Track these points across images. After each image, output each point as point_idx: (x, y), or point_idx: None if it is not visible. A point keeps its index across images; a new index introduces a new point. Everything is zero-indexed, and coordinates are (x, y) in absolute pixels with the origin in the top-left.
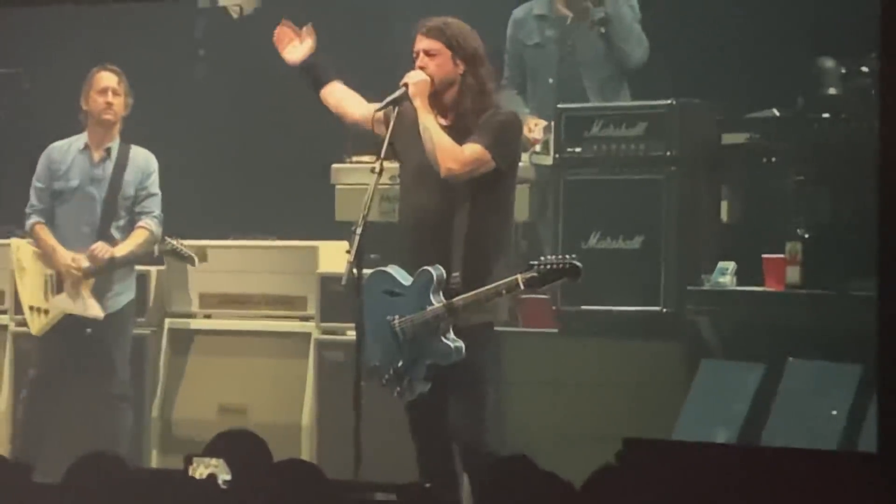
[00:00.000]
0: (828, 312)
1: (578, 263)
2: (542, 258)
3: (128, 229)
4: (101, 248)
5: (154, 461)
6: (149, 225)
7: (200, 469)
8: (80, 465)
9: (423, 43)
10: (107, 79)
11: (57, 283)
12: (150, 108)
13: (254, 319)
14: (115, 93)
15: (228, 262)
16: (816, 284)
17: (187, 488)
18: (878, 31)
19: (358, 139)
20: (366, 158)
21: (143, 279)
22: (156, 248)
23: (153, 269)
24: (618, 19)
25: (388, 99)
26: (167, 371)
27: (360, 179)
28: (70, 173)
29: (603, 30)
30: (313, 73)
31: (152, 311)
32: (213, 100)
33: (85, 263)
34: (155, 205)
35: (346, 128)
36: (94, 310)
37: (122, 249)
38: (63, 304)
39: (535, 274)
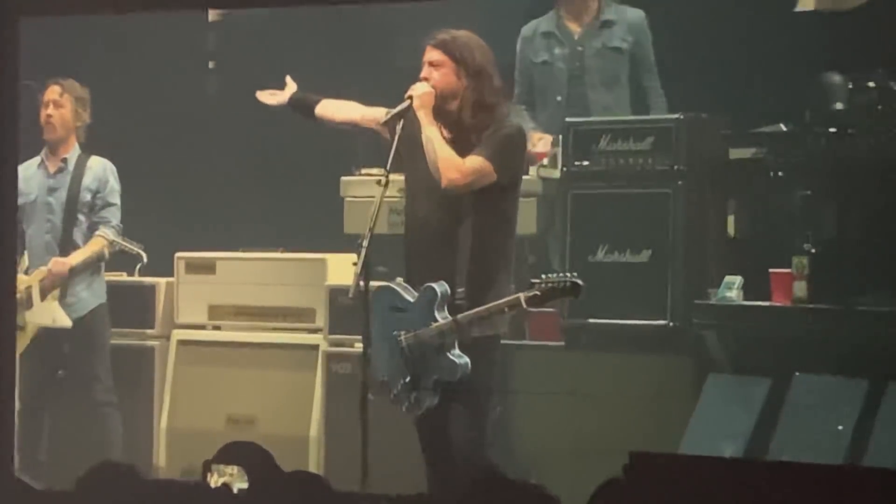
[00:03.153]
0: (834, 327)
1: (580, 281)
2: (544, 276)
3: (89, 235)
4: (57, 264)
5: (162, 472)
6: (105, 234)
7: (216, 477)
8: (92, 474)
9: (429, 54)
10: (50, 92)
11: (28, 298)
12: (160, 120)
13: (262, 331)
14: (55, 105)
15: (237, 275)
16: (823, 299)
17: (195, 499)
18: None
19: (367, 152)
20: (374, 171)
21: (150, 291)
22: (106, 251)
23: (162, 280)
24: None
25: (393, 112)
26: (175, 382)
27: (369, 192)
28: (28, 188)
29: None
30: (302, 103)
31: (161, 323)
32: (223, 112)
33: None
34: (112, 215)
35: (356, 140)
36: (62, 319)
37: (77, 257)
38: (35, 317)
39: (537, 292)
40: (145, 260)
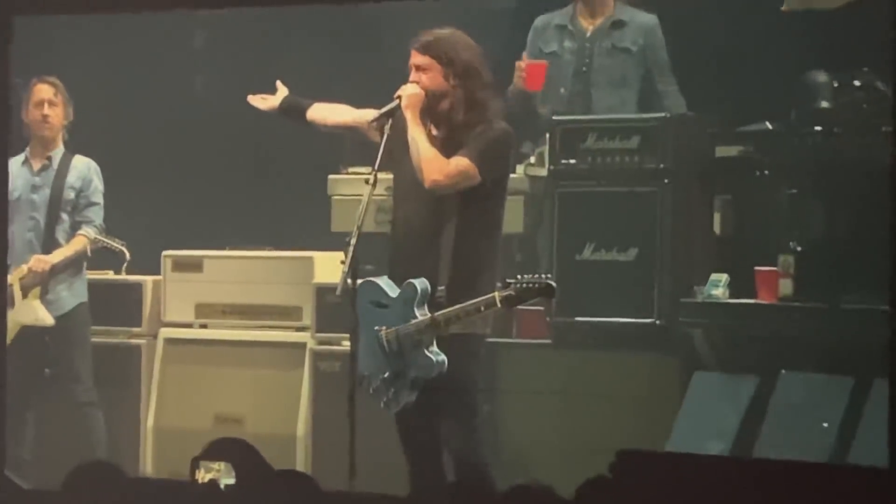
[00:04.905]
0: (820, 325)
1: (553, 283)
2: (519, 277)
3: (71, 234)
4: (38, 262)
5: (149, 470)
6: (87, 233)
7: (202, 473)
8: (79, 474)
9: (415, 58)
10: (43, 91)
11: (10, 296)
12: (147, 117)
13: (249, 330)
14: (51, 104)
15: (225, 273)
16: (809, 297)
17: (184, 497)
18: (893, 42)
19: (354, 151)
20: (362, 170)
21: (137, 289)
22: (88, 249)
23: (149, 278)
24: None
25: (382, 111)
26: (162, 381)
27: (356, 190)
28: (12, 186)
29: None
30: (293, 107)
31: (147, 321)
32: (210, 110)
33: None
34: (95, 214)
35: (343, 139)
36: (44, 317)
37: (58, 256)
38: (17, 316)
39: (511, 292)
40: (128, 256)
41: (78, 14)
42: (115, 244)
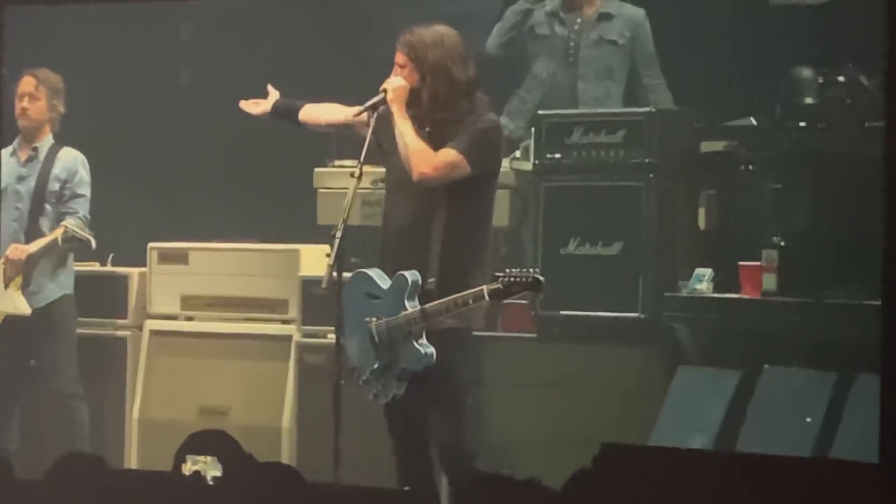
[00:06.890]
0: (803, 320)
1: (541, 277)
2: (507, 270)
3: (55, 224)
4: (14, 251)
5: (134, 462)
6: (68, 224)
7: (188, 465)
8: (61, 465)
9: (396, 57)
10: (24, 84)
11: None
12: (134, 109)
13: (235, 322)
14: (31, 98)
15: (211, 265)
16: (793, 292)
17: (167, 489)
18: (886, 37)
19: (341, 144)
20: (348, 163)
21: (123, 281)
22: (59, 239)
23: (135, 270)
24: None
25: (368, 103)
26: (148, 373)
27: (343, 183)
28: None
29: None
30: (285, 110)
31: (133, 313)
32: (196, 103)
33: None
34: (80, 206)
35: (330, 133)
36: (22, 307)
37: (36, 245)
38: None
39: (499, 286)
40: (94, 247)
41: (68, 3)
42: (83, 234)
